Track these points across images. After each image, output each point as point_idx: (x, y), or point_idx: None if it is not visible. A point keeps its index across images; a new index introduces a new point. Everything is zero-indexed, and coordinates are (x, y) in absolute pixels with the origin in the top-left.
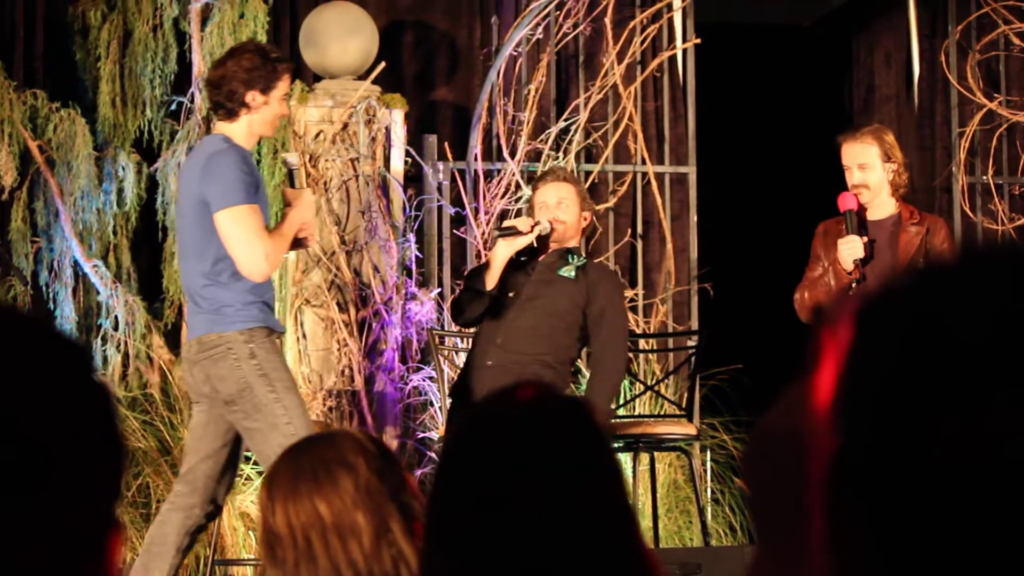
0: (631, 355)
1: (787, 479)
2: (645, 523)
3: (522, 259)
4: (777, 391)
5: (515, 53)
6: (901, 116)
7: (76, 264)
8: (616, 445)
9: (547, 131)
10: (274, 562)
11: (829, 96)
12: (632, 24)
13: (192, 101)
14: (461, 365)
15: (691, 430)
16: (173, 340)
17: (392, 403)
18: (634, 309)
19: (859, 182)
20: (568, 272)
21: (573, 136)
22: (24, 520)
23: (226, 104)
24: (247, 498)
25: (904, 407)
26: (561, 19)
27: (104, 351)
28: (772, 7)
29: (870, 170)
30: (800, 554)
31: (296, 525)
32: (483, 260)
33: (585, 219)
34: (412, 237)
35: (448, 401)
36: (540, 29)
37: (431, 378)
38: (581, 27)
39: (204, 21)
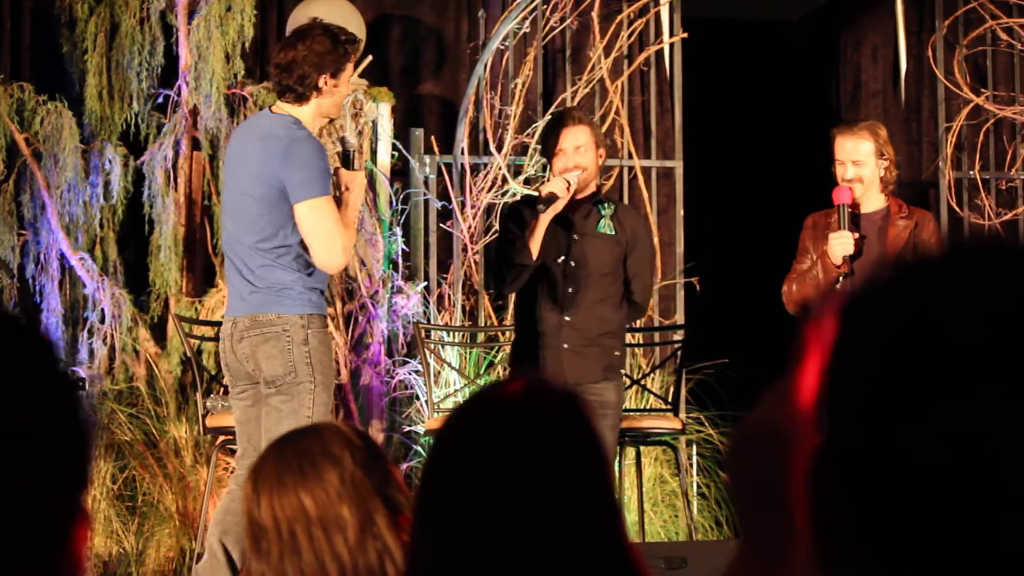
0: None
1: (771, 475)
2: (631, 517)
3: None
4: (763, 385)
5: (502, 47)
6: (888, 111)
7: (62, 257)
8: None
9: (534, 125)
10: (259, 554)
11: (816, 91)
12: (619, 18)
13: (179, 94)
14: (455, 355)
15: (677, 424)
16: (159, 333)
17: (378, 397)
18: None
19: (853, 177)
20: (607, 228)
21: None
22: None
23: (297, 88)
24: None
25: (888, 401)
26: (548, 13)
27: (90, 344)
28: (759, 2)
29: (864, 165)
30: (783, 549)
31: (281, 518)
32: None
33: (602, 157)
34: (398, 231)
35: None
36: (527, 23)
37: (417, 372)
38: (568, 21)
39: (191, 14)
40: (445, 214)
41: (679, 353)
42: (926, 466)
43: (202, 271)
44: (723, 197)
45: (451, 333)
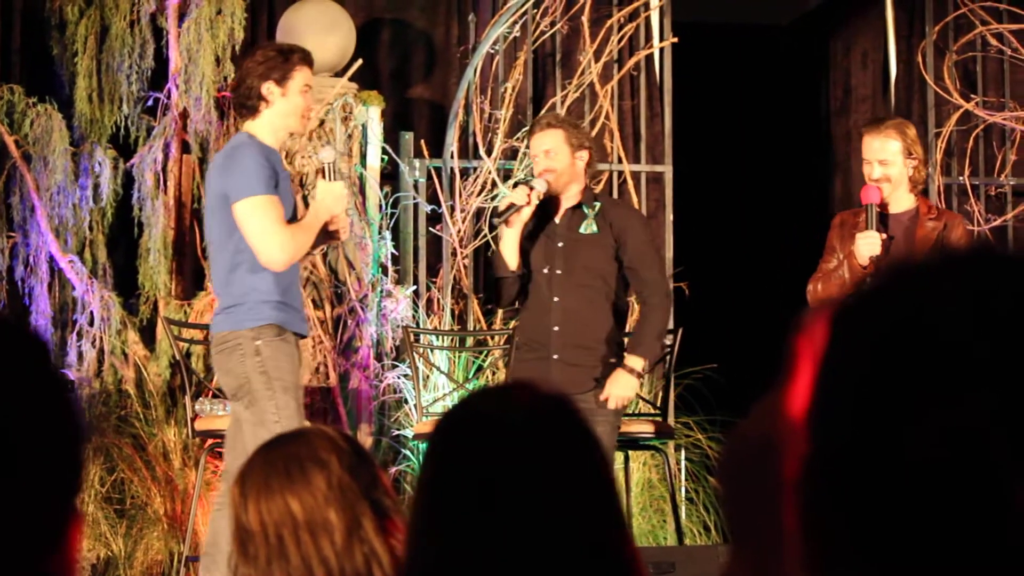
0: None
1: (762, 484)
2: None
3: (538, 216)
4: (752, 389)
5: (492, 51)
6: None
7: (51, 259)
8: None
9: (524, 129)
10: (246, 559)
11: (805, 96)
12: (609, 23)
13: (169, 97)
14: (444, 359)
15: (666, 429)
16: (148, 336)
17: (367, 400)
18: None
19: (879, 176)
20: (590, 228)
21: None
22: None
23: (246, 102)
24: None
25: (880, 404)
26: (538, 17)
27: (79, 347)
28: (749, 7)
29: (891, 165)
30: (774, 557)
31: (268, 522)
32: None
33: (581, 159)
34: (388, 234)
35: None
36: (517, 27)
37: (406, 376)
38: (558, 25)
39: (181, 17)
40: (435, 218)
41: (668, 358)
42: (919, 469)
43: (191, 274)
44: (712, 202)
45: (440, 337)
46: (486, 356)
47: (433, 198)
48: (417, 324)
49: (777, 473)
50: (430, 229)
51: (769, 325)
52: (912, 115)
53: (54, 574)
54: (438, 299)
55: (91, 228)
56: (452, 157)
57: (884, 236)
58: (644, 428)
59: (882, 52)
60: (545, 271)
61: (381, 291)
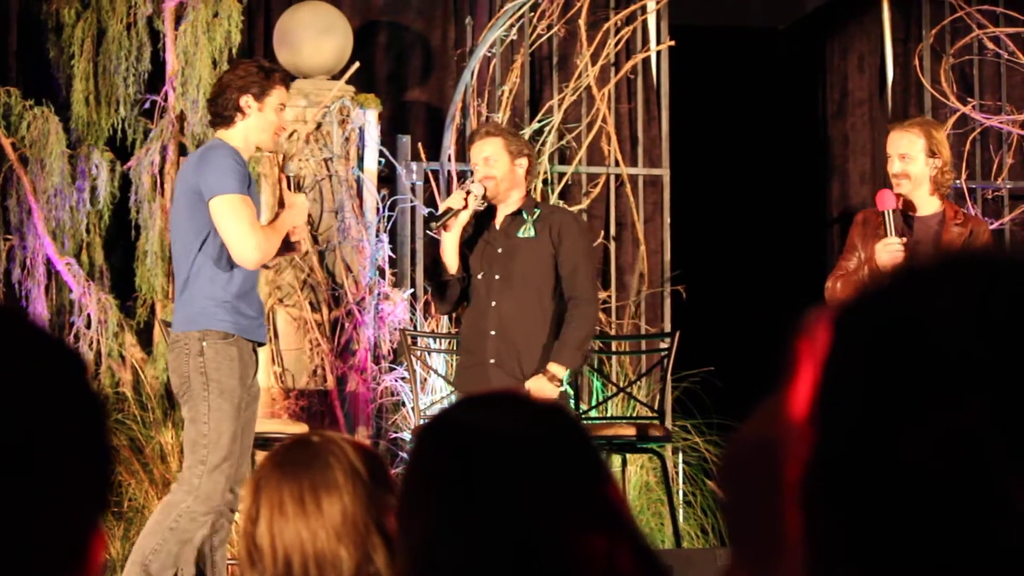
0: (604, 357)
1: (763, 488)
2: None
3: (480, 222)
4: (749, 393)
5: (489, 54)
6: (874, 120)
7: (48, 262)
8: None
9: (521, 132)
10: (253, 568)
11: (802, 99)
12: (606, 26)
13: (166, 100)
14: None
15: (663, 432)
16: (145, 338)
17: (364, 403)
18: (607, 311)
19: (899, 171)
20: (527, 232)
21: (547, 137)
22: (5, 513)
23: (223, 112)
24: None
25: (876, 409)
26: (535, 20)
27: (76, 349)
28: (746, 10)
29: (912, 161)
30: (774, 561)
31: (278, 545)
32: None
33: (521, 166)
34: (385, 237)
35: (456, 397)
36: (514, 30)
37: (403, 378)
38: (555, 28)
39: (178, 20)
40: (432, 219)
41: (666, 361)
42: (917, 471)
43: None
44: (710, 205)
45: (437, 340)
46: None
47: (430, 201)
48: (414, 327)
49: (778, 476)
50: (427, 232)
51: (766, 328)
52: (909, 118)
53: None
54: None
55: (88, 231)
56: (449, 160)
57: (905, 240)
58: (642, 431)
59: (879, 56)
60: (484, 276)
61: (378, 294)
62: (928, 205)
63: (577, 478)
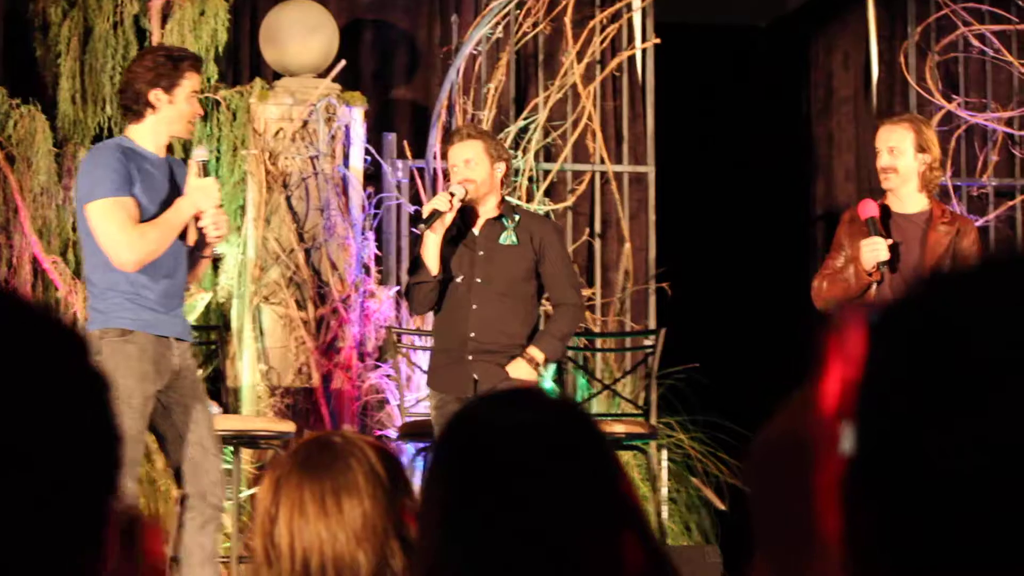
0: (589, 354)
1: (791, 486)
2: None
3: (456, 226)
4: (734, 390)
5: (475, 52)
6: (859, 117)
7: (35, 260)
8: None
9: (506, 130)
10: (269, 567)
11: (787, 96)
12: (592, 24)
13: None
14: (427, 359)
15: (648, 429)
16: None
17: (349, 401)
18: (592, 308)
19: (887, 165)
20: (509, 239)
21: (532, 135)
22: (11, 503)
23: (132, 106)
24: None
25: (922, 411)
26: (521, 18)
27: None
28: (731, 8)
29: (900, 155)
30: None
31: (297, 546)
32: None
33: (500, 170)
34: (371, 235)
35: (431, 396)
36: (500, 28)
37: (389, 376)
38: (541, 26)
39: (164, 18)
40: (417, 219)
41: (651, 358)
42: (960, 474)
43: None
44: (695, 202)
45: (423, 337)
46: None
47: (416, 199)
48: (400, 324)
49: (806, 473)
50: (413, 230)
51: (751, 325)
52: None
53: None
54: None
55: (74, 229)
56: (435, 158)
57: (890, 241)
58: (627, 428)
59: (864, 53)
60: (464, 279)
61: (364, 292)
62: (915, 202)
63: (596, 475)
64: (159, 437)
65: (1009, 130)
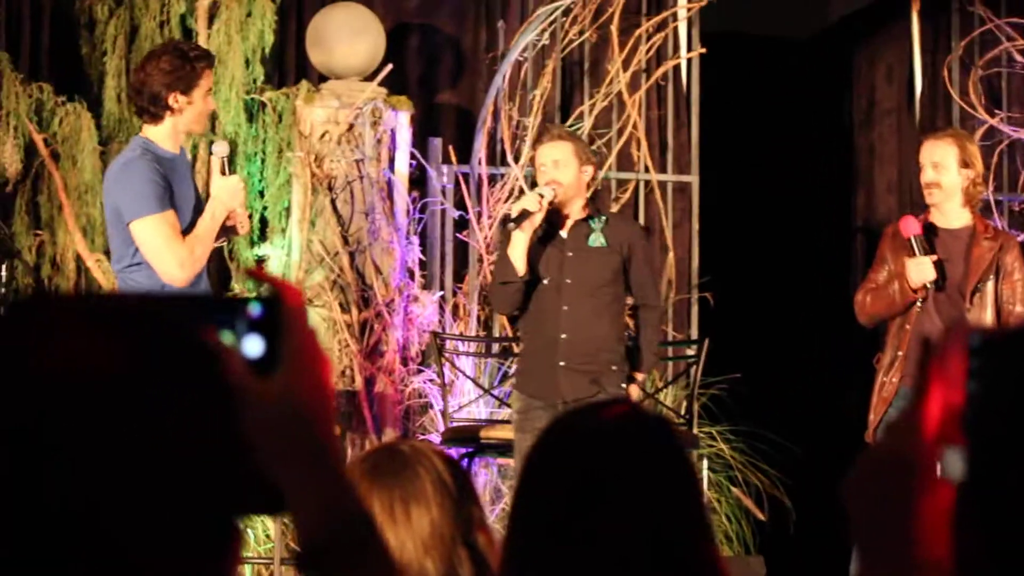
0: None
1: (895, 506)
2: None
3: (543, 228)
4: (775, 400)
5: (521, 58)
6: (902, 131)
7: (78, 258)
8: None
9: None
10: None
11: (830, 108)
12: (638, 32)
13: None
14: (470, 365)
15: (690, 438)
16: None
17: (392, 405)
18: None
19: (931, 180)
20: (598, 241)
21: None
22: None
23: (150, 108)
24: None
25: None
26: (567, 25)
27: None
28: (776, 19)
29: (944, 170)
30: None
31: None
32: (505, 249)
33: (587, 173)
34: (415, 239)
35: (515, 399)
36: (546, 35)
37: (432, 381)
38: (587, 34)
39: (211, 18)
40: (462, 224)
41: (693, 368)
42: None
43: (216, 273)
44: (738, 212)
45: (466, 343)
46: (512, 362)
47: (460, 204)
48: (443, 329)
49: (909, 496)
50: (457, 235)
51: (792, 336)
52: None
53: None
54: (464, 305)
55: None
56: (480, 163)
57: (935, 258)
58: None
59: (907, 66)
60: (554, 281)
61: (408, 296)
62: (959, 217)
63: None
64: None
65: None
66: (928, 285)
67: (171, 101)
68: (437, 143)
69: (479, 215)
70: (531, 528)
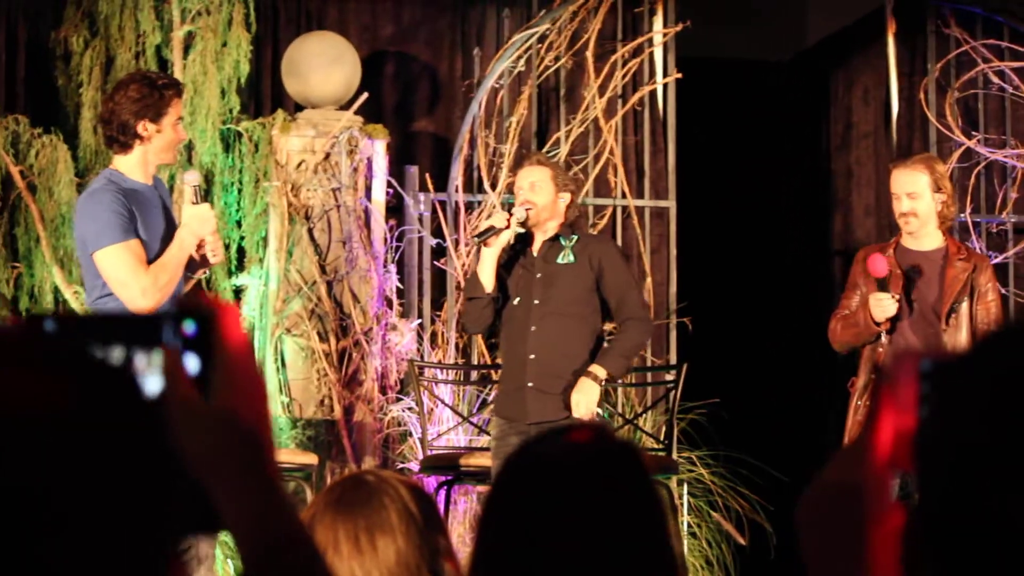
0: (610, 388)
1: (843, 532)
2: None
3: (516, 248)
4: (754, 425)
5: (497, 85)
6: (879, 153)
7: (56, 290)
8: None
9: None
10: None
11: (807, 131)
12: (613, 58)
13: None
14: (449, 392)
15: (669, 463)
16: None
17: (371, 433)
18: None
19: (908, 210)
20: (566, 258)
21: None
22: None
23: (119, 138)
24: None
25: (995, 469)
26: (543, 52)
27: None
28: (752, 43)
29: (918, 198)
30: None
31: None
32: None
33: (563, 199)
34: (393, 268)
35: (493, 424)
36: (522, 62)
37: (411, 409)
38: (563, 60)
39: (187, 49)
40: (439, 251)
41: (672, 393)
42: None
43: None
44: (716, 237)
45: (445, 371)
46: (491, 389)
47: (438, 232)
48: (422, 357)
49: (859, 522)
50: (435, 263)
51: (771, 360)
52: (913, 152)
53: None
54: (442, 332)
55: None
56: (457, 191)
57: (897, 296)
58: (648, 463)
59: (884, 89)
60: (521, 301)
61: (386, 324)
62: (932, 240)
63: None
64: None
65: None
66: (889, 320)
67: (140, 129)
68: (414, 171)
69: (456, 243)
70: (494, 558)
